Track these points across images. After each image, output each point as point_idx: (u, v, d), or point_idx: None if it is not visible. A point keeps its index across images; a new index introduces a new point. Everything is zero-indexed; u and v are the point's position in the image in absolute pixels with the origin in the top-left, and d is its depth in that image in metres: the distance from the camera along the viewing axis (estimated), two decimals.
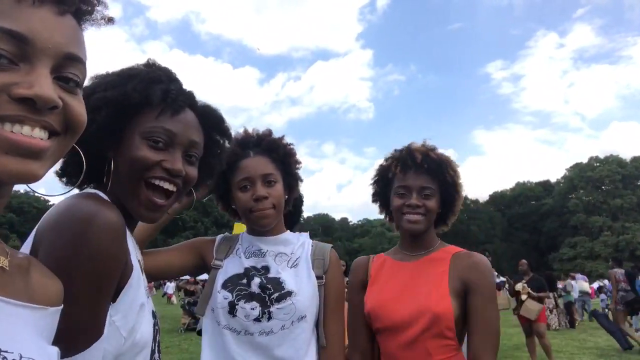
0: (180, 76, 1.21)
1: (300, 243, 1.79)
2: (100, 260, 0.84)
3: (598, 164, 67.76)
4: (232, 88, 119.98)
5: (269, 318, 1.58)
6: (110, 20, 0.78)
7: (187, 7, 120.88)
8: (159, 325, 1.13)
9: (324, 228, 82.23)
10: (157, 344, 1.08)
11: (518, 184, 78.90)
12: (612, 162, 66.33)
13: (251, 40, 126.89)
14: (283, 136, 1.79)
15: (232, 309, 1.60)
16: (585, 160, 70.50)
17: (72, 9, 0.71)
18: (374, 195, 1.99)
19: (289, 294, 1.62)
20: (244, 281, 1.66)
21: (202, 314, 1.70)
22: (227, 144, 1.33)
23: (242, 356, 1.56)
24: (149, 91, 1.08)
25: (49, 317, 0.75)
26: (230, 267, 1.73)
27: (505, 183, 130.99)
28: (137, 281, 0.99)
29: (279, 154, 1.74)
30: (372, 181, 1.99)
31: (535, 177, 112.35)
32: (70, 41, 0.68)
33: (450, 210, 1.87)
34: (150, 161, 1.06)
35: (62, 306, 0.77)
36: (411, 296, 1.68)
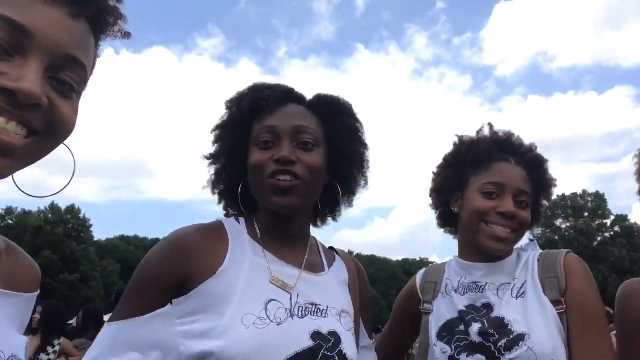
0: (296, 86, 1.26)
1: (523, 262, 1.42)
2: (145, 265, 1.10)
3: None
4: (602, 115, 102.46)
5: None
6: (126, 35, 0.77)
7: (533, 50, 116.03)
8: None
9: None
10: None
11: None
12: None
13: (614, 58, 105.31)
14: (548, 161, 1.50)
15: None
16: None
17: (87, 14, 0.69)
18: None
19: (521, 337, 1.27)
20: (462, 328, 1.36)
21: None
22: (359, 125, 1.26)
23: None
24: (240, 109, 1.19)
25: (23, 303, 0.74)
26: (444, 309, 1.44)
27: None
28: (223, 288, 1.04)
29: (540, 177, 1.48)
30: None
31: None
32: (74, 44, 0.66)
33: None
34: (262, 161, 1.12)
35: (37, 292, 0.77)
36: None
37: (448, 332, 1.38)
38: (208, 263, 1.06)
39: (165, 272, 1.06)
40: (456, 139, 1.57)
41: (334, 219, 1.33)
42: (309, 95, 1.26)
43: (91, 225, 44.82)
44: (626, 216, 51.54)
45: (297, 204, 1.13)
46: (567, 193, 53.79)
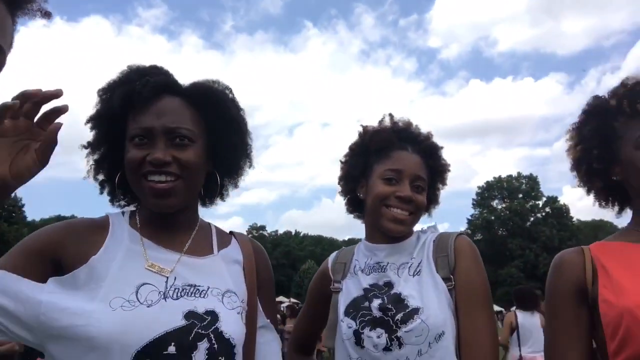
0: (161, 65, 1.22)
1: (421, 243, 1.53)
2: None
3: None
4: (537, 101, 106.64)
5: (400, 344, 1.37)
6: (47, 14, 0.78)
7: (476, 34, 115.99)
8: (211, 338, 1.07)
9: None
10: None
11: None
12: None
13: (551, 46, 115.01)
14: (443, 147, 1.63)
15: (358, 339, 1.42)
16: None
17: None
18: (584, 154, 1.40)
19: (416, 311, 1.38)
20: (366, 304, 1.46)
21: (332, 346, 1.54)
22: (237, 112, 1.25)
23: None
24: (111, 102, 1.14)
25: None
26: (351, 288, 1.55)
27: None
28: (95, 274, 1.05)
29: (435, 164, 1.60)
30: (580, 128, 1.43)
31: None
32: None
33: None
34: (136, 160, 1.10)
35: None
36: None
37: (354, 308, 1.47)
38: (82, 251, 1.08)
39: (47, 246, 1.09)
40: (360, 129, 1.67)
41: (222, 199, 1.34)
42: (182, 79, 1.23)
43: (23, 205, 43.09)
44: (556, 198, 54.78)
45: (175, 204, 1.14)
46: (503, 175, 56.47)
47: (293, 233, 73.33)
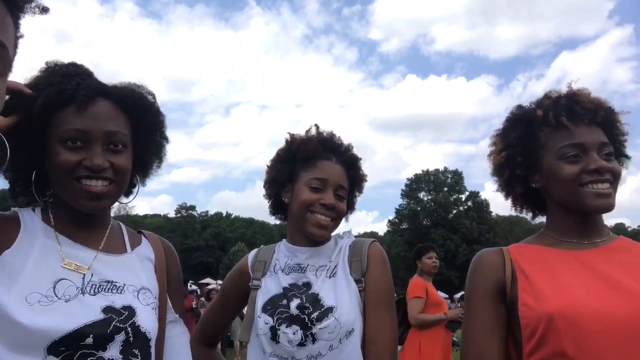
0: (87, 69, 1.21)
1: (338, 248, 1.65)
2: None
3: None
4: (468, 100, 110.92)
5: (314, 340, 1.47)
6: (44, 10, 0.78)
7: (415, 31, 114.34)
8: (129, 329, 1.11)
9: None
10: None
11: None
12: None
13: (484, 49, 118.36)
14: (361, 159, 1.76)
15: (274, 335, 1.51)
16: None
17: None
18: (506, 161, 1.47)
19: (330, 310, 1.50)
20: (284, 302, 1.56)
21: (247, 340, 1.61)
22: (162, 121, 1.31)
23: None
24: (41, 99, 1.09)
25: None
26: (270, 286, 1.63)
27: None
28: (8, 269, 1.04)
29: (355, 174, 1.73)
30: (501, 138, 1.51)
31: None
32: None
33: None
34: (71, 163, 1.09)
35: None
36: (619, 286, 1.21)
37: (272, 305, 1.56)
38: None
39: None
40: (288, 137, 1.77)
41: (127, 196, 1.36)
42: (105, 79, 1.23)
43: None
44: (478, 193, 57.69)
45: (107, 206, 1.21)
46: (431, 169, 58.81)
47: (224, 214, 72.25)
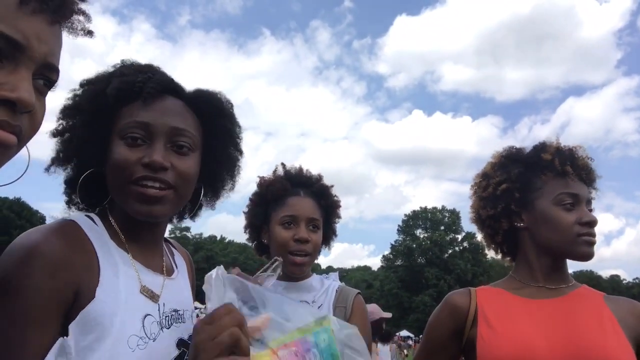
0: (166, 69, 1.12)
1: (324, 289, 1.71)
2: (16, 291, 0.82)
3: None
4: (472, 140, 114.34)
5: None
6: (89, 33, 0.79)
7: (424, 68, 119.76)
8: None
9: None
10: None
11: None
12: None
13: (491, 91, 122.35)
14: (332, 186, 1.80)
15: None
16: None
17: (63, 21, 0.73)
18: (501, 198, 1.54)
19: None
20: None
21: None
22: (238, 130, 1.18)
23: None
24: (102, 94, 1.02)
25: None
26: None
27: None
28: (107, 311, 0.89)
29: (327, 203, 1.76)
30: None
31: None
32: (53, 52, 0.71)
33: None
34: (129, 160, 0.97)
35: None
36: (571, 337, 1.33)
37: None
38: (86, 280, 0.90)
39: (54, 292, 0.86)
40: (258, 180, 1.83)
41: (192, 219, 1.25)
42: (187, 87, 1.13)
43: None
44: (474, 234, 57.48)
45: (165, 213, 1.03)
46: (429, 207, 58.71)
47: (218, 238, 71.82)
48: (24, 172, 0.82)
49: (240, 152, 1.21)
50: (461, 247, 55.27)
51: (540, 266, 1.47)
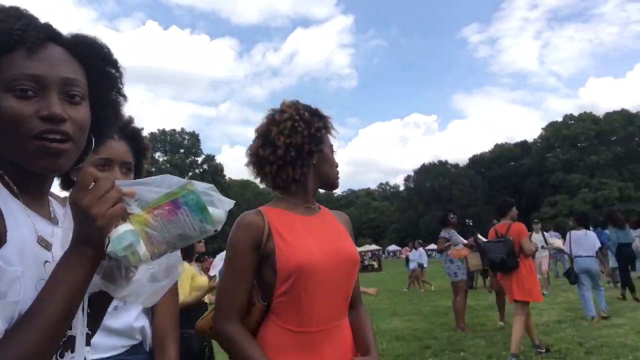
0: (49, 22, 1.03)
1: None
2: None
3: (573, 122, 66.59)
4: (211, 60, 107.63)
5: None
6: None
7: None
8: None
9: None
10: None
11: (497, 146, 76.19)
12: (586, 119, 65.36)
13: (227, 11, 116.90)
14: (142, 128, 1.82)
15: None
16: (561, 119, 68.91)
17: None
18: None
19: None
20: None
21: None
22: (120, 72, 1.14)
23: None
24: None
25: None
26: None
27: (485, 145, 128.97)
28: (15, 257, 0.89)
29: (138, 145, 1.76)
30: None
31: (514, 138, 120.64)
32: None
33: None
34: (24, 114, 0.92)
35: None
36: (332, 243, 1.70)
37: None
38: None
39: None
40: None
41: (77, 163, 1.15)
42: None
43: None
44: (214, 156, 59.14)
45: (68, 165, 1.00)
46: (168, 129, 57.01)
47: None
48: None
49: (124, 96, 1.17)
50: (201, 169, 56.10)
51: (313, 191, 1.78)
